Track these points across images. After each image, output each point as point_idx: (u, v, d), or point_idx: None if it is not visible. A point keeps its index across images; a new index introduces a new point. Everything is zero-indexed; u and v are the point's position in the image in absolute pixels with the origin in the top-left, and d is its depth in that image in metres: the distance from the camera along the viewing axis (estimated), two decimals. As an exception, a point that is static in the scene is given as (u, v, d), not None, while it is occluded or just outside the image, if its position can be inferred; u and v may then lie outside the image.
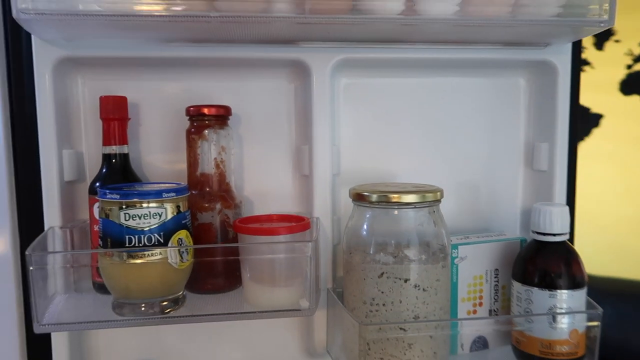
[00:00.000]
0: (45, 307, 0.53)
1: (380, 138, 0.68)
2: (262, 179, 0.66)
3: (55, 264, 0.53)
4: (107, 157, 0.58)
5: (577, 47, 0.66)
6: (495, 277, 0.64)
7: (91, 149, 0.63)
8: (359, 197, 0.56)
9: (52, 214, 0.58)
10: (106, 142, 0.58)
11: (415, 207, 0.54)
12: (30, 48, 0.57)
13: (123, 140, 0.59)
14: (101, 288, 0.57)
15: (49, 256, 0.51)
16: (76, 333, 0.62)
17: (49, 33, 0.55)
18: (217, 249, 0.55)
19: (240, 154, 0.65)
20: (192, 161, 0.59)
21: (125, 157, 0.59)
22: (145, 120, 0.64)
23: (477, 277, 0.63)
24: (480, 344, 0.64)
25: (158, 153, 0.64)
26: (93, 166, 0.62)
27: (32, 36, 0.57)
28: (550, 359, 0.56)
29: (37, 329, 0.49)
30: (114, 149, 0.58)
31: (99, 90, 0.60)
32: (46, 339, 0.61)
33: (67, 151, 0.60)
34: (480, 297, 0.64)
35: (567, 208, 0.59)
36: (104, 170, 0.58)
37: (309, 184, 0.63)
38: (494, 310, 0.64)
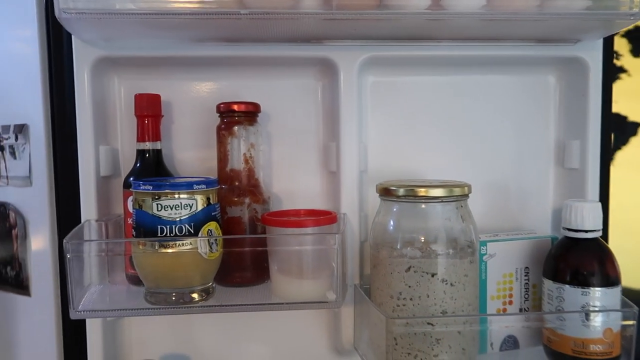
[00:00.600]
0: (81, 296, 0.55)
1: (408, 136, 0.68)
2: (290, 175, 0.67)
3: (91, 252, 0.55)
4: (140, 153, 0.60)
5: (609, 43, 0.65)
6: (525, 276, 0.63)
7: (126, 146, 0.65)
8: (385, 192, 0.56)
9: (88, 208, 0.60)
10: (140, 138, 0.60)
11: (442, 201, 0.54)
12: (71, 48, 0.60)
13: (156, 137, 0.61)
14: (134, 280, 0.59)
15: (85, 244, 0.53)
16: (110, 325, 0.64)
17: (88, 33, 0.57)
18: (245, 240, 0.56)
19: (268, 151, 0.67)
20: (222, 157, 0.61)
21: (158, 152, 0.61)
22: (177, 118, 0.66)
23: (506, 275, 0.62)
24: (511, 343, 0.62)
25: (190, 150, 0.66)
26: (127, 162, 0.64)
27: (73, 37, 0.59)
28: (583, 359, 0.55)
29: (73, 315, 0.51)
30: (147, 145, 0.60)
31: (134, 89, 0.62)
32: (81, 329, 0.63)
33: (103, 147, 0.62)
34: (510, 296, 0.63)
35: (599, 204, 0.57)
36: (138, 165, 0.60)
37: (336, 180, 0.64)
38: (525, 309, 0.63)
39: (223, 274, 0.58)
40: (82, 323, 0.63)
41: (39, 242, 0.69)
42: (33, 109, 0.66)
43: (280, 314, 0.67)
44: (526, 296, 0.63)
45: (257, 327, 0.68)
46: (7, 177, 0.71)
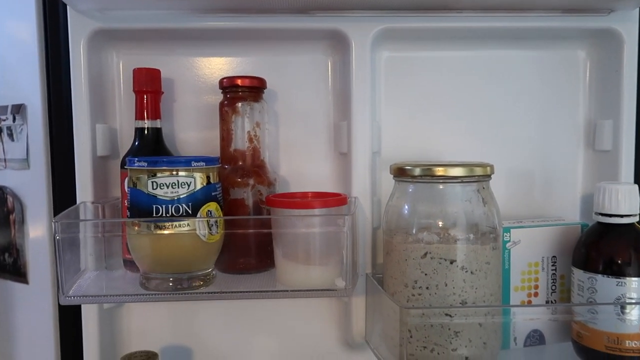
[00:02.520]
0: (74, 281, 0.52)
1: (425, 116, 0.63)
2: (298, 157, 0.63)
3: (85, 233, 0.52)
4: (139, 131, 0.57)
5: (646, 13, 0.60)
6: (552, 265, 0.58)
7: (125, 126, 0.62)
8: (400, 172, 0.51)
9: (84, 189, 0.57)
10: (139, 115, 0.57)
11: (462, 182, 0.50)
12: (67, 20, 0.56)
13: (156, 114, 0.57)
14: (131, 265, 0.55)
15: (75, 225, 0.50)
16: (107, 313, 0.61)
17: (82, 2, 0.54)
18: (247, 222, 0.52)
19: (275, 131, 0.63)
20: (225, 135, 0.57)
21: (157, 131, 0.57)
22: (179, 96, 0.62)
23: (532, 264, 0.57)
24: (536, 338, 0.57)
25: (192, 130, 0.62)
26: (126, 143, 0.61)
27: (68, 8, 0.56)
28: (618, 356, 0.50)
29: (63, 301, 0.48)
30: (146, 123, 0.57)
31: (134, 64, 0.58)
32: (79, 318, 0.59)
33: (100, 125, 0.59)
34: (536, 287, 0.58)
35: (636, 186, 0.52)
36: (136, 143, 0.57)
37: (347, 162, 0.60)
38: (552, 302, 0.58)
39: (225, 260, 0.54)
40: (79, 311, 0.59)
41: (37, 228, 0.66)
42: (30, 88, 0.64)
43: (287, 305, 0.64)
44: (553, 287, 0.58)
45: (264, 319, 0.64)
46: (4, 159, 0.68)
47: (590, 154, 0.64)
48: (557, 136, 0.65)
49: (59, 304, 0.62)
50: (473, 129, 0.64)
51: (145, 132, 0.57)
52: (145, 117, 0.57)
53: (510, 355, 0.56)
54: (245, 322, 0.64)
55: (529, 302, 0.57)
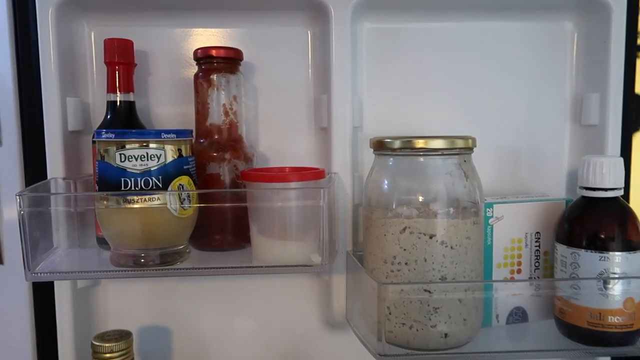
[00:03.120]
0: (43, 258, 0.50)
1: (408, 90, 0.62)
2: (277, 132, 0.61)
3: (56, 207, 0.50)
4: (111, 105, 0.55)
5: (634, -17, 0.58)
6: (536, 242, 0.57)
7: (98, 100, 0.60)
8: (380, 145, 0.50)
9: (55, 165, 0.55)
10: (111, 88, 0.55)
11: (443, 155, 0.48)
12: (37, -8, 0.54)
13: (128, 87, 0.55)
14: (105, 243, 0.54)
15: (43, 199, 0.48)
16: (82, 293, 0.59)
17: (48, -33, 0.52)
18: (221, 197, 0.50)
19: (254, 106, 0.61)
20: (200, 109, 0.55)
21: (130, 105, 0.56)
22: (155, 69, 0.60)
23: (515, 240, 0.56)
24: (519, 315, 0.56)
25: (168, 105, 0.61)
26: (100, 118, 0.59)
27: (35, -25, 0.54)
28: (600, 331, 0.49)
29: (28, 278, 0.46)
30: (118, 96, 0.55)
31: (106, 36, 0.56)
32: (52, 298, 0.58)
33: (71, 99, 0.57)
34: (519, 263, 0.56)
35: (621, 159, 0.51)
36: (108, 117, 0.55)
37: (328, 137, 0.58)
38: (535, 278, 0.57)
39: (200, 238, 0.53)
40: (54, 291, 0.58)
41: (12, 207, 0.64)
42: (0, 61, 0.61)
43: (267, 284, 0.62)
44: (537, 264, 0.57)
45: (244, 299, 0.63)
46: (-24, 137, 0.66)
47: (576, 128, 0.63)
48: (543, 110, 0.63)
49: (36, 284, 0.61)
50: (458, 103, 0.62)
51: (118, 105, 0.55)
52: (117, 90, 0.55)
53: (492, 333, 0.55)
54: (225, 303, 0.63)
55: (512, 279, 0.56)
